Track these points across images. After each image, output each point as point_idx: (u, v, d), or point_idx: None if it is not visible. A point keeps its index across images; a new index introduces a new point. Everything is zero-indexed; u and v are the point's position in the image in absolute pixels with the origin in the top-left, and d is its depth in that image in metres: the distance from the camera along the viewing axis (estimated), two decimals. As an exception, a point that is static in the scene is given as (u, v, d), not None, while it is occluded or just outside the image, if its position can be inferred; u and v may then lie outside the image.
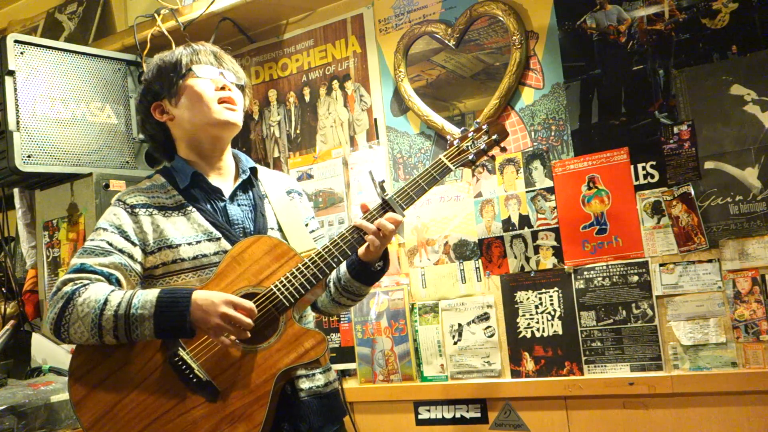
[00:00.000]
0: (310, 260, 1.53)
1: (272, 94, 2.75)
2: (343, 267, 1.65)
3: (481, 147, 1.69)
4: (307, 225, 1.74)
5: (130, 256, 1.54)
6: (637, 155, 2.08)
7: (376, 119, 2.51)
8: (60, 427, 2.07)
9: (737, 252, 1.94)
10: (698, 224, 1.98)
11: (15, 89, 2.23)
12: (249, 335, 1.48)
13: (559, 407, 2.15)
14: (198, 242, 1.56)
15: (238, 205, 1.65)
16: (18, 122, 2.22)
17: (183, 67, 1.62)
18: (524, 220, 2.23)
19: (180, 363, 1.47)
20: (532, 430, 2.18)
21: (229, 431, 1.47)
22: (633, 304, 2.06)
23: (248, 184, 1.69)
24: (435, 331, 2.35)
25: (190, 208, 1.60)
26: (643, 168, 2.07)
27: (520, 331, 2.22)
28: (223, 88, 1.62)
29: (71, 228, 2.40)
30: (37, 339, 2.51)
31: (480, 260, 2.30)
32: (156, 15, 2.62)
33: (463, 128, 1.74)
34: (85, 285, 1.47)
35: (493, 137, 1.69)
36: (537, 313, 2.20)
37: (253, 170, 1.71)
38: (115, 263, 1.51)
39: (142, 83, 1.69)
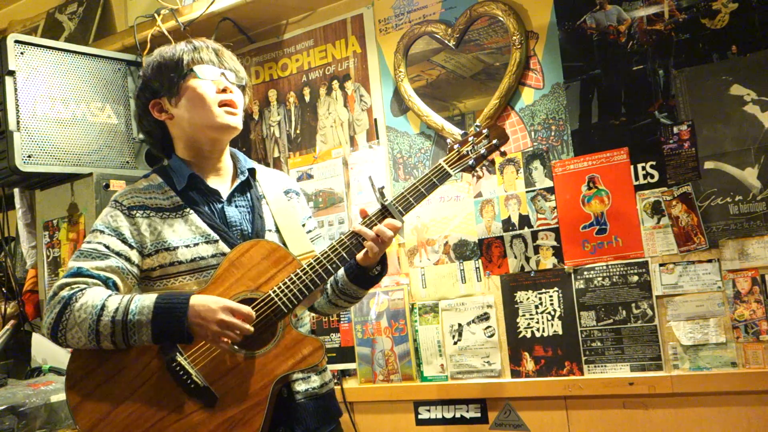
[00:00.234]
0: (308, 266, 1.52)
1: (272, 94, 2.75)
2: (340, 270, 1.64)
3: (482, 152, 1.68)
4: (304, 225, 1.73)
5: (127, 259, 1.53)
6: (637, 155, 2.08)
7: (376, 119, 2.52)
8: (60, 427, 2.07)
9: (737, 252, 1.94)
10: (698, 224, 1.98)
11: (15, 89, 2.23)
12: (245, 352, 1.48)
13: (559, 407, 2.15)
14: (195, 245, 1.55)
15: (236, 206, 1.64)
16: (18, 122, 2.22)
17: (184, 67, 1.59)
18: (524, 220, 2.23)
19: (178, 368, 1.47)
20: (532, 430, 2.18)
21: None
22: (633, 304, 2.06)
23: (246, 185, 1.67)
24: (435, 331, 2.35)
25: (188, 209, 1.58)
26: (643, 168, 2.07)
27: (520, 331, 2.22)
28: (224, 90, 1.60)
29: (71, 228, 2.40)
30: (37, 339, 2.51)
31: (480, 260, 2.30)
32: (156, 15, 2.62)
33: (463, 132, 1.73)
34: (81, 290, 1.46)
35: (494, 142, 1.68)
36: (537, 313, 2.20)
37: (251, 171, 1.70)
38: (112, 267, 1.51)
39: (140, 78, 1.66)
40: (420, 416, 2.36)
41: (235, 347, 1.49)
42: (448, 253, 2.35)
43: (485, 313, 2.28)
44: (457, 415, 2.30)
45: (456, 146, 1.68)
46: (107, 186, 2.35)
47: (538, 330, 2.19)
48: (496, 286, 2.27)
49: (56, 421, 2.06)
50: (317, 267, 1.53)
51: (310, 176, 2.60)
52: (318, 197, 2.56)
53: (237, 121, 1.62)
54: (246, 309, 1.45)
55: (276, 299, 1.50)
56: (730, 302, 1.94)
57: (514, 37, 2.23)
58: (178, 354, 1.47)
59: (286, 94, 2.73)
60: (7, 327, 2.66)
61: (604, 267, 2.11)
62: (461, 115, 2.35)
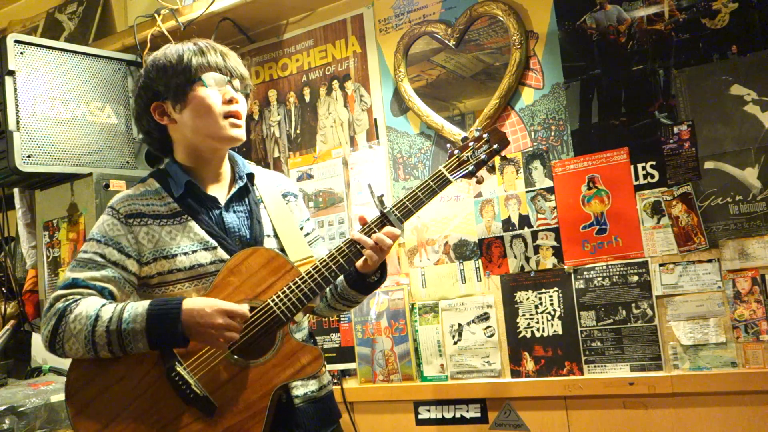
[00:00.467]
0: (307, 274, 1.52)
1: (272, 94, 2.75)
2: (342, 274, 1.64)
3: (482, 157, 1.66)
4: (302, 228, 1.72)
5: (124, 268, 1.52)
6: (637, 155, 2.08)
7: (376, 119, 2.52)
8: (60, 427, 2.07)
9: (737, 252, 1.94)
10: (698, 224, 1.99)
11: (15, 89, 2.23)
12: (243, 361, 1.48)
13: (559, 407, 2.15)
14: (194, 252, 1.54)
15: (234, 212, 1.62)
16: (18, 122, 2.22)
17: (192, 74, 1.55)
18: (524, 220, 2.23)
19: (177, 378, 1.46)
20: (532, 430, 2.18)
21: None
22: (633, 304, 2.06)
23: (244, 190, 1.65)
24: (435, 331, 2.35)
25: (186, 216, 1.57)
26: (643, 168, 2.07)
27: (520, 331, 2.22)
28: (230, 101, 1.57)
29: (71, 228, 2.40)
30: (37, 339, 2.51)
31: (480, 260, 2.30)
32: (156, 15, 2.62)
33: (463, 137, 1.72)
34: (76, 301, 1.46)
35: (494, 146, 1.66)
36: (537, 313, 2.20)
37: (250, 176, 1.68)
38: (108, 276, 1.50)
39: (141, 77, 1.61)
40: (420, 416, 2.37)
41: (234, 356, 1.49)
42: (448, 253, 2.35)
43: (485, 313, 2.28)
44: (457, 415, 2.30)
45: (456, 152, 1.66)
46: (107, 186, 2.35)
47: (538, 330, 2.19)
48: (496, 286, 2.27)
49: (56, 421, 2.06)
50: (316, 276, 1.52)
51: (310, 176, 2.60)
52: (318, 197, 2.56)
53: (241, 134, 1.61)
54: (240, 308, 1.44)
55: (274, 308, 1.49)
56: (730, 302, 1.94)
57: (514, 37, 2.23)
58: (177, 363, 1.47)
59: (286, 94, 2.73)
60: (7, 327, 2.66)
61: (604, 267, 2.11)
62: (461, 115, 2.35)
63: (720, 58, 1.97)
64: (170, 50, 1.58)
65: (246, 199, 1.65)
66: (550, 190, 2.20)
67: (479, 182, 1.67)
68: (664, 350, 2.02)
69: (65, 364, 2.33)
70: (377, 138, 2.50)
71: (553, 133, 2.20)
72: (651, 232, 2.05)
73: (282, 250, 1.62)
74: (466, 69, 2.36)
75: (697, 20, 2.00)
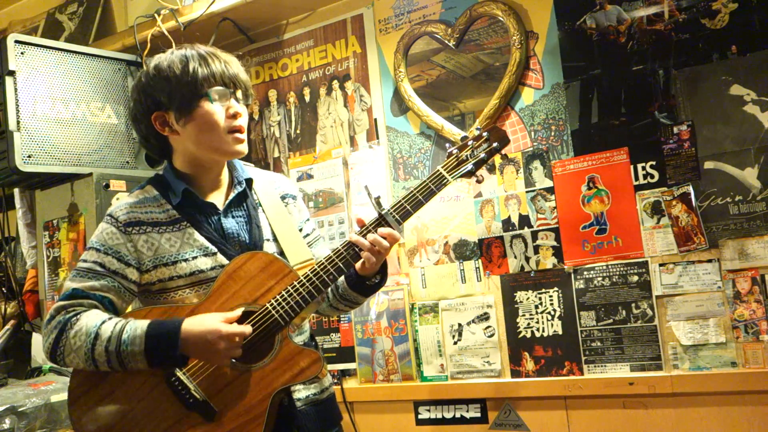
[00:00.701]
0: (305, 277, 1.51)
1: (272, 94, 2.76)
2: (341, 276, 1.64)
3: (481, 156, 1.63)
4: (301, 230, 1.72)
5: (124, 277, 1.53)
6: (637, 155, 2.08)
7: (376, 119, 2.52)
8: (60, 427, 2.07)
9: (737, 252, 1.94)
10: (698, 224, 1.99)
11: (15, 89, 2.23)
12: (242, 365, 1.49)
13: (559, 407, 2.15)
14: (194, 258, 1.54)
15: (233, 217, 1.62)
16: (18, 122, 2.22)
17: (198, 88, 1.52)
18: (524, 220, 2.23)
19: (176, 383, 1.48)
20: (532, 430, 2.18)
21: None
22: (633, 304, 2.06)
23: (242, 195, 1.65)
24: (435, 331, 2.35)
25: (185, 222, 1.57)
26: (643, 168, 2.07)
27: (520, 331, 2.22)
28: (234, 116, 1.56)
29: (71, 228, 2.40)
30: (37, 339, 2.51)
31: (480, 260, 2.30)
32: (156, 15, 2.62)
33: (463, 135, 1.70)
34: (77, 315, 1.47)
35: (494, 145, 1.63)
36: (537, 313, 2.20)
37: (248, 181, 1.67)
38: (108, 286, 1.51)
39: (142, 82, 1.58)
40: (420, 416, 2.37)
41: (234, 360, 1.49)
42: (448, 253, 2.35)
43: (485, 313, 2.28)
44: (457, 415, 2.30)
45: (455, 151, 1.64)
46: (107, 186, 2.35)
47: (538, 330, 2.19)
48: (496, 286, 2.27)
49: (56, 421, 2.06)
50: (314, 279, 1.51)
51: (310, 176, 2.60)
52: (318, 197, 2.57)
53: (244, 147, 1.60)
54: (241, 329, 1.45)
55: (273, 312, 1.49)
56: (730, 302, 1.94)
57: (514, 37, 2.23)
58: (176, 368, 1.48)
59: (286, 94, 2.73)
60: (7, 327, 2.66)
61: (604, 267, 2.11)
62: (461, 115, 2.35)
63: (720, 58, 1.97)
64: (174, 60, 1.54)
65: (244, 204, 1.64)
66: (550, 190, 2.20)
67: (479, 182, 1.65)
68: (664, 350, 2.02)
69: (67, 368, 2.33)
70: (377, 138, 2.50)
71: (553, 133, 2.20)
72: (651, 232, 2.05)
73: (281, 253, 1.62)
74: (466, 69, 2.36)
75: (697, 20, 2.00)
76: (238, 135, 1.57)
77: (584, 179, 2.15)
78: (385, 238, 1.52)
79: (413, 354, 2.37)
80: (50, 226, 2.47)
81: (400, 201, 1.57)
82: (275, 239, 1.64)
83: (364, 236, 1.53)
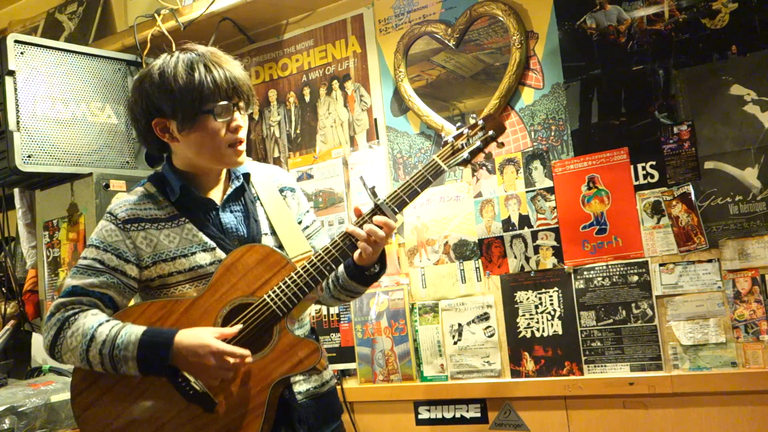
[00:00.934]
0: (302, 269, 1.52)
1: (272, 94, 2.76)
2: (341, 267, 1.64)
3: (477, 145, 1.63)
4: (300, 222, 1.72)
5: (123, 273, 1.54)
6: (637, 155, 2.08)
7: (376, 119, 2.52)
8: (60, 427, 2.06)
9: (737, 252, 1.94)
10: (698, 224, 1.99)
11: (15, 89, 2.23)
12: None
13: (559, 407, 2.15)
14: (193, 253, 1.56)
15: (231, 212, 1.63)
16: (18, 122, 2.22)
17: (203, 105, 1.50)
18: (524, 220, 2.23)
19: (176, 376, 1.48)
20: (532, 430, 2.18)
21: None
22: (633, 304, 2.06)
23: (240, 190, 1.66)
24: (435, 331, 2.35)
25: (184, 218, 1.58)
26: (643, 168, 2.07)
27: (520, 331, 2.22)
28: (235, 130, 1.55)
29: (71, 228, 2.40)
30: (37, 339, 2.51)
31: (480, 260, 2.30)
32: (156, 15, 2.62)
33: (459, 124, 1.69)
34: (75, 313, 1.49)
35: (490, 133, 1.63)
36: (537, 313, 2.20)
37: (246, 175, 1.68)
38: (107, 283, 1.53)
39: (145, 88, 1.55)
40: (420, 416, 2.37)
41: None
42: (448, 253, 2.35)
43: (485, 313, 2.28)
44: (457, 415, 2.30)
45: (450, 140, 1.63)
46: (107, 186, 2.35)
47: (538, 330, 2.19)
48: (496, 286, 2.27)
49: (56, 421, 2.06)
50: (311, 270, 1.52)
51: (310, 176, 2.60)
52: (318, 197, 2.56)
53: (243, 158, 1.61)
54: (234, 350, 1.44)
55: (271, 303, 1.50)
56: (730, 302, 1.94)
57: (514, 37, 2.23)
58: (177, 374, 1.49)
59: (286, 94, 2.73)
60: (7, 327, 2.66)
61: (604, 267, 2.11)
62: (461, 115, 2.35)
63: (720, 58, 1.97)
64: (179, 71, 1.50)
65: (242, 199, 1.66)
66: (550, 190, 2.20)
67: (475, 170, 1.65)
68: (664, 350, 2.02)
69: (66, 365, 2.33)
70: (377, 138, 2.50)
71: (553, 133, 2.20)
72: (651, 232, 2.05)
73: (280, 246, 1.63)
74: (466, 69, 2.36)
75: (697, 20, 2.00)
76: (238, 147, 1.58)
77: (584, 179, 2.15)
78: (380, 227, 1.52)
79: (413, 354, 2.37)
80: (50, 226, 2.47)
81: (395, 191, 1.58)
82: (273, 233, 1.64)
83: (360, 227, 1.54)
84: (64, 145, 2.32)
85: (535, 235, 2.21)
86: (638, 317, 2.05)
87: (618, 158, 2.10)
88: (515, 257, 2.24)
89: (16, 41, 2.26)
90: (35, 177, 2.34)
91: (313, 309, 2.51)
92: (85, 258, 1.55)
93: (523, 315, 2.22)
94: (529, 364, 2.20)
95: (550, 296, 2.18)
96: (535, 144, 2.23)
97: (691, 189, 2.00)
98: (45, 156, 2.27)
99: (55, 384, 2.15)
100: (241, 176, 1.66)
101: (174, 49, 1.61)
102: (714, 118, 1.98)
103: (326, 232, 1.79)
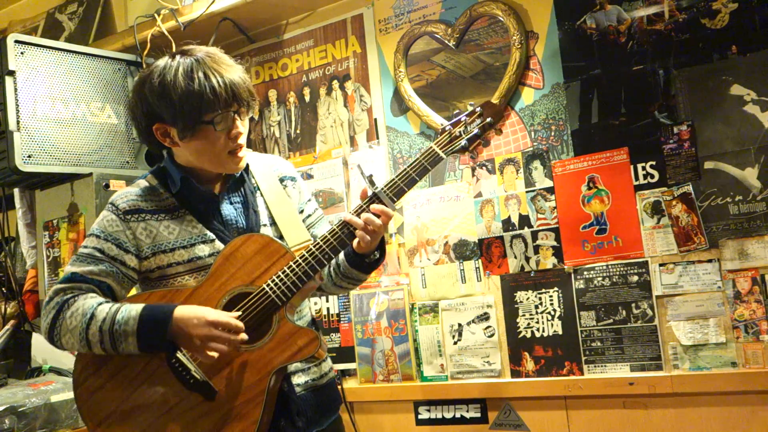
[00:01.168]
0: (301, 257, 1.53)
1: (272, 94, 2.75)
2: (341, 255, 1.64)
3: (475, 131, 1.61)
4: (302, 211, 1.73)
5: (122, 263, 1.56)
6: (637, 155, 2.08)
7: (376, 119, 2.52)
8: (60, 427, 2.06)
9: (737, 252, 1.94)
10: (698, 224, 1.98)
11: (15, 89, 2.23)
12: (242, 347, 1.49)
13: (559, 407, 2.15)
14: (192, 245, 1.57)
15: (231, 203, 1.65)
16: (18, 122, 2.22)
17: (202, 115, 1.50)
18: (524, 220, 2.23)
19: (177, 364, 1.50)
20: (532, 430, 2.18)
21: (226, 429, 1.49)
22: (633, 304, 2.06)
23: (240, 181, 1.67)
24: (435, 331, 2.35)
25: (184, 210, 1.60)
26: (643, 168, 2.07)
27: (520, 331, 2.22)
28: (235, 137, 1.55)
29: (71, 228, 2.40)
30: (37, 339, 2.51)
31: (480, 260, 2.30)
32: (156, 15, 2.61)
33: (456, 111, 1.68)
34: (74, 296, 1.51)
35: (488, 120, 1.61)
36: (537, 313, 2.20)
37: (245, 167, 1.68)
38: (106, 271, 1.54)
39: (144, 94, 1.54)
40: (420, 416, 2.36)
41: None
42: (448, 253, 2.35)
43: (485, 313, 2.28)
44: (457, 415, 2.30)
45: (448, 127, 1.62)
46: (107, 186, 2.35)
47: (538, 330, 2.19)
48: (496, 286, 2.27)
49: (56, 421, 2.06)
50: (310, 258, 1.53)
51: (310, 176, 2.60)
52: (318, 197, 2.56)
53: (243, 163, 1.62)
54: (231, 320, 1.46)
55: (270, 292, 1.52)
56: (730, 302, 1.94)
57: (514, 37, 2.23)
58: (178, 350, 1.50)
59: (286, 94, 2.73)
60: (7, 327, 2.66)
61: (604, 267, 2.11)
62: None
63: (720, 58, 1.97)
64: (179, 79, 1.49)
65: (242, 189, 1.67)
66: (550, 190, 2.20)
67: (473, 158, 1.64)
68: (664, 350, 2.02)
69: (65, 364, 2.34)
70: (377, 138, 2.50)
71: (553, 133, 2.20)
72: (651, 232, 2.05)
73: (280, 236, 1.64)
74: (466, 69, 2.36)
75: (697, 20, 2.00)
76: (238, 154, 1.59)
77: (584, 179, 2.15)
78: (378, 216, 1.53)
79: (413, 354, 2.37)
80: (50, 226, 2.47)
81: (393, 179, 1.58)
82: (273, 223, 1.65)
83: (358, 215, 1.54)
84: (64, 145, 2.32)
85: (535, 235, 2.21)
86: (638, 317, 2.05)
87: (618, 158, 2.10)
88: (515, 257, 2.24)
89: (16, 41, 2.26)
90: (35, 177, 2.34)
91: (313, 309, 2.51)
92: (85, 247, 1.57)
93: (523, 315, 2.22)
94: (529, 364, 2.20)
95: (550, 296, 2.18)
96: (535, 144, 2.23)
97: (691, 189, 2.00)
98: (45, 156, 2.27)
99: (55, 384, 2.15)
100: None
101: (174, 50, 1.61)
102: (714, 118, 1.98)
103: (328, 221, 1.79)
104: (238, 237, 1.56)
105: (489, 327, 2.27)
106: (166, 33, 2.57)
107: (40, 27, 3.30)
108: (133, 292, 1.65)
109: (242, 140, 1.58)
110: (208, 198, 1.63)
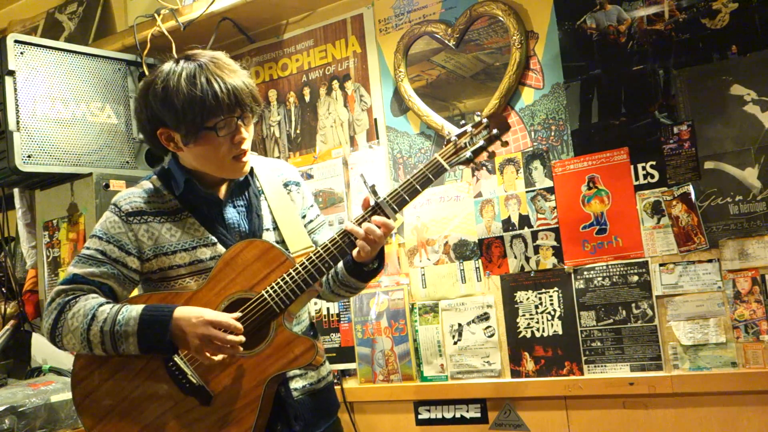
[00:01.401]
0: (300, 265, 1.53)
1: (272, 94, 2.75)
2: (340, 263, 1.64)
3: (480, 143, 1.60)
4: (305, 216, 1.73)
5: (124, 265, 1.56)
6: (637, 155, 2.08)
7: (376, 119, 2.52)
8: (60, 427, 2.07)
9: (737, 252, 1.94)
10: (698, 224, 1.98)
11: (15, 89, 2.23)
12: (241, 349, 1.48)
13: (559, 407, 2.15)
14: (194, 248, 1.57)
15: (234, 206, 1.65)
16: (18, 122, 2.22)
17: (205, 121, 1.49)
18: (524, 220, 2.23)
19: (174, 368, 1.51)
20: (532, 430, 2.18)
21: None
22: (633, 304, 2.06)
23: (244, 184, 1.67)
24: (435, 331, 2.35)
25: (186, 213, 1.60)
26: (643, 168, 2.07)
27: (520, 331, 2.22)
28: (239, 143, 1.55)
29: (71, 228, 2.40)
30: (37, 339, 2.51)
31: (480, 260, 2.30)
32: (156, 15, 2.61)
33: (462, 122, 1.67)
34: (76, 297, 1.51)
35: (494, 132, 1.60)
36: (537, 313, 2.20)
37: (250, 170, 1.68)
38: (107, 273, 1.55)
39: (148, 100, 1.54)
40: (420, 416, 2.36)
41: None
42: (448, 253, 2.35)
43: (485, 313, 2.28)
44: (457, 415, 2.30)
45: (453, 138, 1.61)
46: (107, 186, 2.35)
47: (538, 330, 2.19)
48: (496, 286, 2.27)
49: (56, 421, 2.06)
50: (310, 267, 1.53)
51: (310, 176, 2.60)
52: (318, 197, 2.56)
53: (247, 168, 1.62)
54: (228, 320, 1.46)
55: (268, 299, 1.51)
56: (730, 302, 1.94)
57: (514, 37, 2.23)
58: (175, 353, 1.51)
59: (286, 94, 2.73)
60: (7, 327, 2.66)
61: (604, 267, 2.11)
62: (461, 115, 2.35)
63: (720, 58, 1.97)
64: (181, 83, 1.49)
65: (246, 193, 1.67)
66: (550, 190, 2.20)
67: (478, 169, 1.64)
68: (664, 350, 2.02)
69: (65, 364, 2.34)
70: (377, 138, 2.50)
71: (553, 133, 2.20)
72: (651, 232, 2.05)
73: (282, 241, 1.64)
74: (466, 69, 2.36)
75: (697, 20, 2.00)
76: (242, 159, 1.58)
77: (584, 179, 2.15)
78: (379, 227, 1.53)
79: (413, 354, 2.37)
80: (50, 226, 2.47)
81: (396, 189, 1.58)
82: (276, 228, 1.65)
83: (360, 225, 1.54)
84: (64, 145, 2.32)
85: (535, 235, 2.21)
86: (638, 317, 2.05)
87: (618, 158, 2.10)
88: (515, 257, 2.24)
89: (16, 41, 2.26)
90: (35, 177, 2.34)
91: (313, 310, 2.51)
92: (88, 248, 1.58)
93: (523, 315, 2.22)
94: (529, 364, 2.20)
95: (550, 296, 2.18)
96: (535, 144, 2.23)
97: (691, 189, 2.00)
98: (45, 156, 2.27)
99: (55, 384, 2.15)
100: None
101: (174, 50, 1.61)
102: (714, 118, 1.98)
103: (329, 227, 1.79)
104: (239, 242, 1.56)
105: (489, 327, 2.27)
106: (166, 33, 2.57)
107: (40, 27, 3.30)
108: (135, 292, 1.66)
109: (246, 146, 1.58)
110: (212, 201, 1.63)
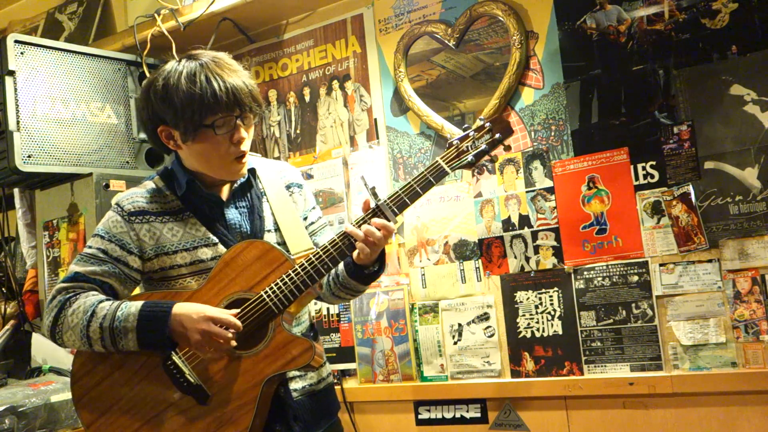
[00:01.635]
0: (300, 266, 1.53)
1: (272, 94, 2.75)
2: (340, 265, 1.64)
3: (482, 147, 1.59)
4: (306, 218, 1.73)
5: (125, 264, 1.57)
6: (637, 155, 2.08)
7: (376, 119, 2.52)
8: (60, 427, 2.06)
9: (737, 252, 1.94)
10: (698, 224, 1.98)
11: (15, 89, 2.23)
12: (234, 344, 1.49)
13: (559, 407, 2.15)
14: (195, 248, 1.58)
15: (236, 207, 1.65)
16: (18, 122, 2.22)
17: (203, 119, 1.50)
18: (524, 220, 2.23)
19: (172, 366, 1.51)
20: (532, 430, 2.18)
21: None
22: (633, 304, 2.06)
23: (246, 185, 1.67)
24: (435, 331, 2.35)
25: (188, 213, 1.61)
26: (643, 168, 2.07)
27: (520, 331, 2.22)
28: (239, 142, 1.55)
29: (71, 228, 2.40)
30: (37, 339, 2.51)
31: (480, 260, 2.30)
32: (156, 15, 2.61)
33: (465, 125, 1.66)
34: (76, 294, 1.52)
35: (497, 136, 1.58)
36: (537, 313, 2.20)
37: (252, 171, 1.69)
38: (109, 272, 1.55)
39: (150, 98, 1.55)
40: (420, 416, 2.36)
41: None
42: (448, 253, 2.35)
43: (485, 313, 2.28)
44: (457, 415, 2.30)
45: (455, 141, 1.60)
46: (107, 186, 2.35)
47: (538, 330, 2.19)
48: (496, 286, 2.27)
49: (56, 421, 2.06)
50: (309, 268, 1.53)
51: (310, 176, 2.60)
52: (318, 197, 2.56)
53: (245, 170, 1.63)
54: (230, 318, 1.47)
55: (267, 300, 1.52)
56: (730, 302, 1.94)
57: (514, 37, 2.23)
58: (173, 352, 1.51)
59: (286, 94, 2.73)
60: (7, 327, 2.66)
61: (604, 267, 2.10)
62: (461, 115, 2.35)
63: (720, 58, 1.97)
64: (181, 81, 1.50)
65: (248, 194, 1.67)
66: (550, 190, 2.20)
67: (480, 173, 1.64)
68: (664, 350, 2.02)
69: (65, 364, 2.34)
70: (377, 138, 2.50)
71: (553, 133, 2.20)
72: (651, 232, 2.05)
73: (283, 243, 1.64)
74: (466, 69, 2.36)
75: (697, 20, 2.00)
76: (241, 159, 1.59)
77: (584, 179, 2.15)
78: (378, 229, 1.52)
79: (413, 354, 2.37)
80: (50, 226, 2.47)
81: (397, 192, 1.57)
82: (277, 229, 1.66)
83: (359, 227, 1.54)
84: (64, 145, 2.32)
85: (535, 235, 2.21)
86: (638, 317, 2.05)
87: (618, 158, 2.10)
88: (515, 257, 2.24)
89: (16, 41, 2.26)
90: (35, 177, 2.34)
91: (313, 310, 2.51)
92: (89, 247, 1.59)
93: (523, 315, 2.22)
94: (529, 364, 2.20)
95: (550, 296, 2.18)
96: (535, 144, 2.23)
97: (691, 189, 2.00)
98: (45, 156, 2.27)
99: (55, 384, 2.15)
100: (247, 172, 1.67)
101: (174, 51, 1.62)
102: (714, 118, 1.98)
103: (331, 229, 1.79)
104: (240, 242, 1.57)
105: (489, 327, 2.27)
106: (166, 33, 2.57)
107: (40, 27, 3.30)
108: (137, 291, 1.66)
109: (245, 146, 1.58)
110: (213, 202, 1.63)
